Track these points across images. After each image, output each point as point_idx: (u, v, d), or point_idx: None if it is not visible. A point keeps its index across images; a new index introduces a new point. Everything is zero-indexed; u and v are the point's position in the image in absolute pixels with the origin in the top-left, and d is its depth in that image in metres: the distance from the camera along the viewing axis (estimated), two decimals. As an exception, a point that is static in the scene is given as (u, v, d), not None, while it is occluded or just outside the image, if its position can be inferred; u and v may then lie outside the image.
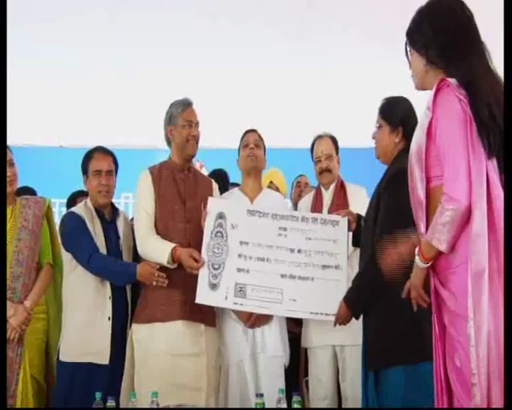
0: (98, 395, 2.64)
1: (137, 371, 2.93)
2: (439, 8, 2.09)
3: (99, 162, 3.17)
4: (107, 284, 3.05)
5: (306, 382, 3.30)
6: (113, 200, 3.32)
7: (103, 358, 2.96)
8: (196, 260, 2.89)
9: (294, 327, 3.30)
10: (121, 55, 6.15)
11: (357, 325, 2.69)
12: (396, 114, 2.66)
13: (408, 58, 2.18)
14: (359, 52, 5.91)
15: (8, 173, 2.95)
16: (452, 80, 1.99)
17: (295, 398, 2.64)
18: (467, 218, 1.90)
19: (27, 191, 3.51)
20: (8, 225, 3.02)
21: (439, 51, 2.06)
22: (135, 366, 2.94)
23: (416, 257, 2.03)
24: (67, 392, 2.95)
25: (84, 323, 3.00)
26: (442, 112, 1.97)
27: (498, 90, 1.98)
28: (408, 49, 2.17)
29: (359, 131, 4.74)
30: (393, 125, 2.65)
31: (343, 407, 3.12)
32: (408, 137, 2.55)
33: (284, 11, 5.91)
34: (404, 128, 2.63)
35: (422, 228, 2.02)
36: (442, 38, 2.06)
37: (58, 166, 5.92)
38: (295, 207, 3.92)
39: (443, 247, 1.94)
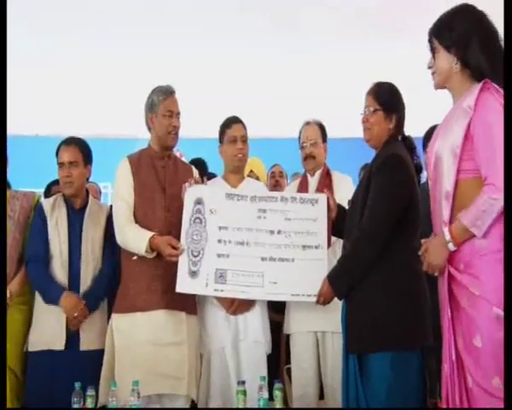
0: (77, 384, 2.64)
1: (118, 361, 2.90)
2: (473, 8, 2.22)
3: (61, 154, 3.19)
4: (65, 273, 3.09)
5: (288, 369, 3.30)
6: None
7: (59, 344, 3.00)
8: (175, 248, 2.87)
9: (274, 315, 3.29)
10: (101, 44, 6.08)
11: (338, 312, 2.67)
12: (391, 99, 2.69)
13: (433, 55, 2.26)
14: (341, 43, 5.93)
15: None
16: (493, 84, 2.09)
17: (276, 385, 2.64)
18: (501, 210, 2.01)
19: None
20: None
21: (473, 50, 2.15)
22: (115, 355, 2.92)
23: (448, 241, 2.10)
24: (36, 381, 2.99)
25: (42, 312, 3.08)
26: (487, 111, 2.06)
27: None
28: (433, 46, 2.24)
29: (338, 121, 4.78)
30: (388, 111, 2.66)
31: (324, 393, 3.12)
32: (399, 124, 2.68)
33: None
34: (397, 115, 2.67)
35: (446, 217, 2.12)
36: (478, 35, 2.15)
37: (34, 155, 5.83)
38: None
39: (480, 233, 2.04)
